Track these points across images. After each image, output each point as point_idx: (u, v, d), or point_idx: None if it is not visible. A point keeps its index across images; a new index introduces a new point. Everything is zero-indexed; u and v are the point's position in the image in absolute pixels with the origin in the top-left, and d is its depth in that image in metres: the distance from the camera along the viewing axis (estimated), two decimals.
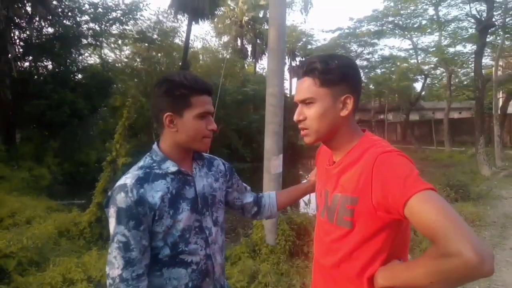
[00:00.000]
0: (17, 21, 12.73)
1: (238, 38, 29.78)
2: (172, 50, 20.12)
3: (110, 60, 18.32)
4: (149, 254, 1.14)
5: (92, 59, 17.63)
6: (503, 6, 12.38)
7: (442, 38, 18.91)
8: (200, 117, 1.19)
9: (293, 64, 34.35)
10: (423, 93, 25.97)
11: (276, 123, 4.34)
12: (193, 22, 18.41)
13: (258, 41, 29.67)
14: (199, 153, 1.34)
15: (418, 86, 26.88)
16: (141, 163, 1.21)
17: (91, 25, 15.32)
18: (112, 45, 18.28)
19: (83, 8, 14.69)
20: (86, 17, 15.00)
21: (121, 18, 15.74)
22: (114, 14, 15.59)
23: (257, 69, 30.88)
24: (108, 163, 5.70)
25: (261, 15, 29.05)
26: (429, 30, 18.00)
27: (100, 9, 15.02)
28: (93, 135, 15.84)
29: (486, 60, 18.36)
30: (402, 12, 18.04)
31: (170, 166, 1.20)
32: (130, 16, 15.94)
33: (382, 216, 0.96)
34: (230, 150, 18.69)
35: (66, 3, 14.39)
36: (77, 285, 3.48)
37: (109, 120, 16.51)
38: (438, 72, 23.51)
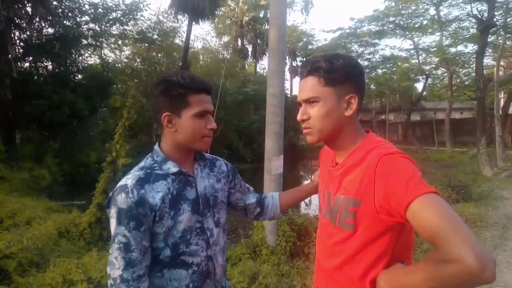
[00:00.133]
0: (17, 21, 12.72)
1: (239, 38, 29.77)
2: (172, 50, 20.13)
3: (110, 61, 18.31)
4: (150, 255, 1.13)
5: (92, 60, 17.65)
6: (504, 6, 12.38)
7: (443, 38, 18.90)
8: (198, 116, 1.18)
9: (294, 64, 34.38)
10: (424, 93, 25.95)
11: (277, 123, 4.33)
12: (193, 22, 18.41)
13: (258, 41, 29.66)
14: (200, 154, 1.33)
15: (419, 86, 26.94)
16: (142, 164, 1.21)
17: (91, 25, 15.30)
18: (112, 46, 18.29)
19: (83, 9, 14.67)
20: (86, 18, 14.98)
21: (121, 18, 15.72)
22: (114, 14, 15.57)
23: (258, 69, 30.88)
24: (108, 164, 5.69)
25: (261, 15, 29.05)
26: (430, 30, 17.99)
27: (100, 10, 14.99)
28: (93, 135, 15.83)
29: (487, 60, 18.39)
30: (403, 12, 18.05)
31: (171, 167, 1.19)
32: (130, 16, 15.92)
33: (385, 219, 0.94)
34: (230, 151, 18.71)
35: (66, 3, 14.38)
36: (77, 286, 3.47)
37: (109, 120, 16.51)
38: (439, 72, 23.51)
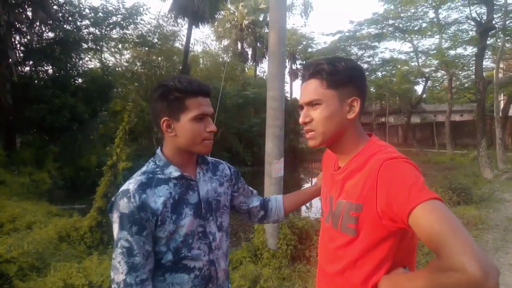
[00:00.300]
0: (17, 26, 12.76)
1: (239, 42, 29.83)
2: (173, 54, 20.18)
3: (110, 64, 18.38)
4: (153, 259, 1.14)
5: (93, 64, 17.72)
6: (503, 9, 12.40)
7: (443, 40, 18.95)
8: (197, 120, 1.17)
9: (294, 67, 34.45)
10: (424, 95, 26.03)
11: (277, 126, 4.33)
12: (193, 26, 18.46)
13: (258, 44, 29.72)
14: (203, 157, 1.33)
15: (419, 88, 27.00)
16: (144, 168, 1.21)
17: (92, 29, 15.39)
18: (113, 49, 18.38)
19: (84, 13, 14.73)
20: (86, 22, 15.05)
21: (121, 22, 15.79)
22: (114, 18, 15.63)
23: (258, 73, 30.96)
24: (108, 168, 5.68)
25: (261, 18, 29.13)
26: (429, 33, 18.06)
27: (100, 14, 15.05)
28: (93, 139, 15.84)
29: (487, 63, 18.43)
30: (402, 15, 18.10)
31: (173, 171, 1.19)
32: (130, 20, 15.99)
33: (387, 224, 0.94)
34: (231, 154, 18.71)
35: (67, 7, 14.44)
36: None
37: (110, 124, 16.53)
38: (439, 74, 23.59)
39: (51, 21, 13.28)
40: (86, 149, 14.23)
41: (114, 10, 15.40)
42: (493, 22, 11.52)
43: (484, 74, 12.61)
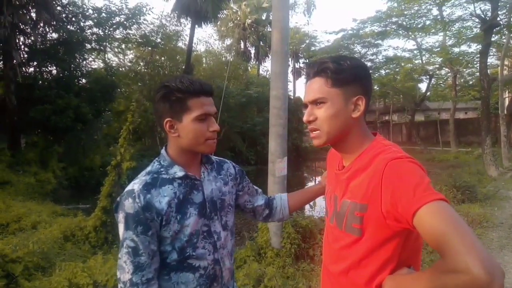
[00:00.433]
0: (22, 27, 12.82)
1: (241, 41, 29.84)
2: (176, 53, 20.20)
3: (113, 65, 18.45)
4: (159, 258, 1.15)
5: (96, 64, 17.78)
6: (507, 5, 12.29)
7: (447, 38, 18.81)
8: (199, 120, 1.18)
9: (297, 66, 34.40)
10: (428, 93, 25.88)
11: (280, 125, 4.33)
12: (196, 26, 18.47)
13: (261, 43, 29.73)
14: (207, 157, 1.33)
15: (423, 86, 26.91)
16: (149, 168, 1.22)
17: (95, 30, 15.40)
18: (116, 50, 18.42)
19: (87, 13, 14.77)
20: (89, 22, 15.08)
21: (125, 22, 15.81)
22: (117, 18, 15.65)
23: (261, 72, 30.95)
24: (112, 167, 5.70)
25: (264, 17, 29.14)
26: (433, 30, 17.89)
27: (103, 14, 15.08)
28: (97, 139, 15.92)
29: (491, 60, 18.35)
30: (405, 12, 17.95)
31: (177, 171, 1.19)
32: (134, 20, 16.01)
33: (392, 224, 0.93)
34: (234, 153, 18.73)
35: (70, 8, 14.50)
36: None
37: (113, 124, 16.60)
38: (443, 72, 23.40)
39: (54, 22, 13.33)
40: (90, 149, 14.31)
41: (117, 11, 15.43)
42: (498, 18, 11.44)
43: (488, 72, 12.54)
